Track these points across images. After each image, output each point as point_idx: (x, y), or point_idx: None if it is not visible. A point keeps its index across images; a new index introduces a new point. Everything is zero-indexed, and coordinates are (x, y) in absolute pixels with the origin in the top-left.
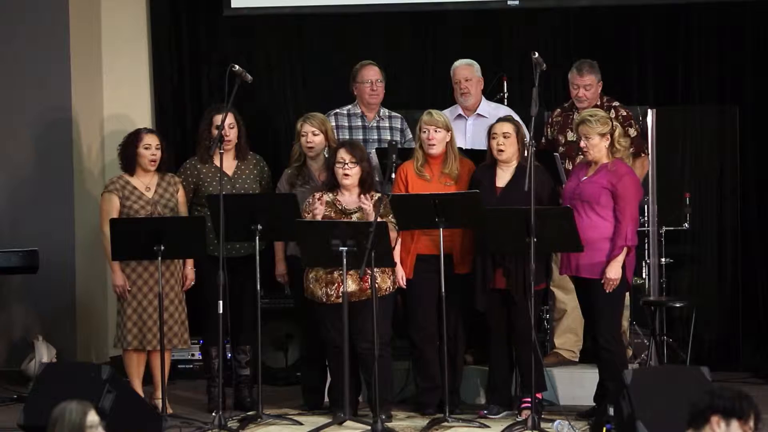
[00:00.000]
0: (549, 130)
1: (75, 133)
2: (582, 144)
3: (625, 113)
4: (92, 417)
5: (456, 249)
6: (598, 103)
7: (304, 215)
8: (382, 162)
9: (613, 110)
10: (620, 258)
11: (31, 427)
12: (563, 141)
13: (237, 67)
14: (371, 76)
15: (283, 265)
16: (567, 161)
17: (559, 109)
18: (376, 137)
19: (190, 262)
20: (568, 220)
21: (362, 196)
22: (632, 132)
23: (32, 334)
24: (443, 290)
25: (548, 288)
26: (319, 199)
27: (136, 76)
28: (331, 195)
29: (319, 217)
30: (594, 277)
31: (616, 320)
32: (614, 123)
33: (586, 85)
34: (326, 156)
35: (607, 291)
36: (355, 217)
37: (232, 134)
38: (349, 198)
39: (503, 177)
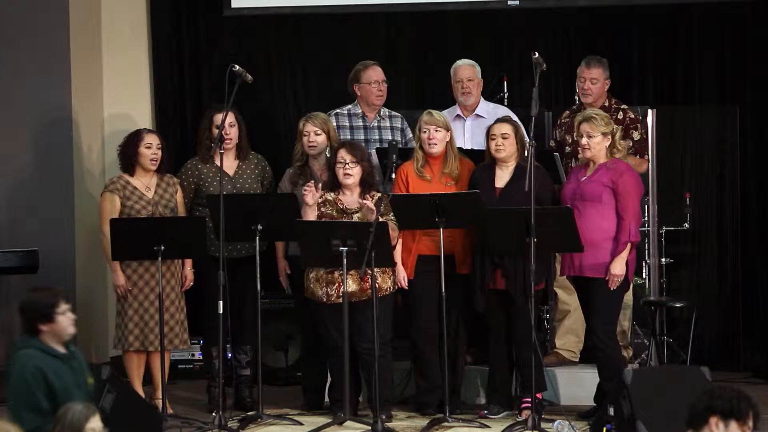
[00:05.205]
0: (557, 131)
1: (75, 133)
2: (583, 142)
3: (632, 116)
4: (94, 423)
5: (458, 249)
6: (606, 104)
7: (303, 202)
8: (382, 162)
9: (621, 112)
10: (624, 254)
11: None
12: (570, 141)
13: (237, 67)
14: (377, 76)
15: (284, 262)
16: (573, 161)
17: (567, 111)
18: (377, 137)
19: (188, 263)
20: (569, 220)
21: (363, 195)
22: (636, 135)
23: None
24: (443, 290)
25: (550, 288)
26: (318, 190)
27: (136, 76)
28: (332, 194)
29: (308, 199)
30: (598, 276)
31: (612, 320)
32: (614, 126)
33: (593, 78)
34: (328, 156)
35: (612, 288)
36: (356, 217)
37: (232, 133)
38: (350, 198)
39: (502, 177)
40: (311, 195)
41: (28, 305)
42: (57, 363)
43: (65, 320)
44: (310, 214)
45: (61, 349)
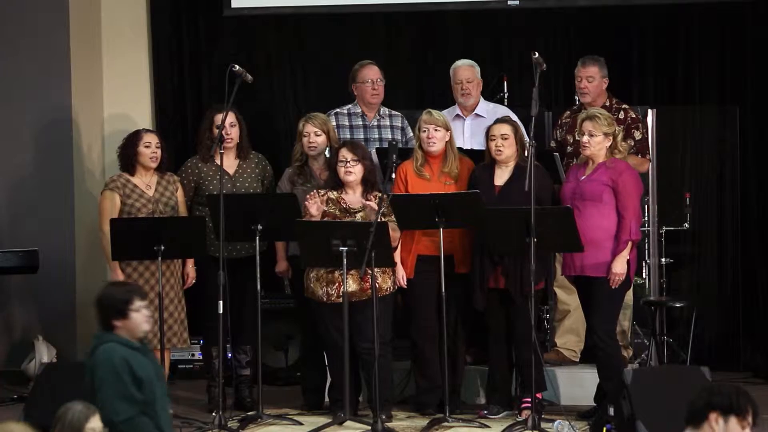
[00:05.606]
0: (557, 131)
1: (75, 133)
2: (585, 140)
3: (633, 115)
4: (94, 423)
5: (457, 249)
6: (607, 104)
7: (304, 207)
8: (382, 162)
9: (622, 112)
10: (625, 253)
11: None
12: (571, 141)
13: (237, 66)
14: (372, 75)
15: (285, 262)
16: (574, 161)
17: (568, 111)
18: (377, 136)
19: (190, 261)
20: (569, 220)
21: (366, 194)
22: (637, 135)
23: (32, 334)
24: (443, 290)
25: (550, 288)
26: (321, 196)
27: (136, 76)
28: (335, 193)
29: (313, 210)
30: (599, 275)
31: (613, 319)
32: (617, 128)
33: (589, 76)
34: (327, 156)
35: (613, 287)
36: (359, 216)
37: (233, 133)
38: (353, 197)
39: (502, 176)
40: (316, 207)
41: (103, 300)
42: (138, 355)
43: (139, 317)
44: None
45: (137, 343)
